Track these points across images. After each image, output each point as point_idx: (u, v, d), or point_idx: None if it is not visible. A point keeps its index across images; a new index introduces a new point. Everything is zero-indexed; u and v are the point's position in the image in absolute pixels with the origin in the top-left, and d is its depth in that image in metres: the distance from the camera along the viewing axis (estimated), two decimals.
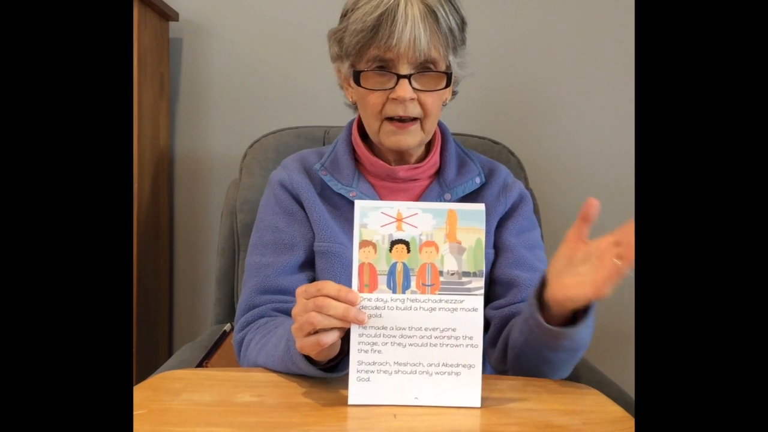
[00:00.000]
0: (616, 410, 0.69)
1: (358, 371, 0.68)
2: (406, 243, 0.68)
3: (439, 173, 0.95)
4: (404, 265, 0.68)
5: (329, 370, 0.72)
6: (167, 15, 1.47)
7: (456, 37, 0.85)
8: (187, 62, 1.57)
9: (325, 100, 1.55)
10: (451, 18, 0.83)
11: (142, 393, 0.70)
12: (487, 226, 0.91)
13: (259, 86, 1.57)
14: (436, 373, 0.68)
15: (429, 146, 0.95)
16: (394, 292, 0.67)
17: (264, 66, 1.56)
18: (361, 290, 0.67)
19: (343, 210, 0.91)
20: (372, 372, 0.68)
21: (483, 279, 0.68)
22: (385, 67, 0.84)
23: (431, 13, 0.81)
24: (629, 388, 0.95)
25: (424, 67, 0.84)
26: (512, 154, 1.26)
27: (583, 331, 0.72)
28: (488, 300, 0.93)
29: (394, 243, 0.68)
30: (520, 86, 1.57)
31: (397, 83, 0.83)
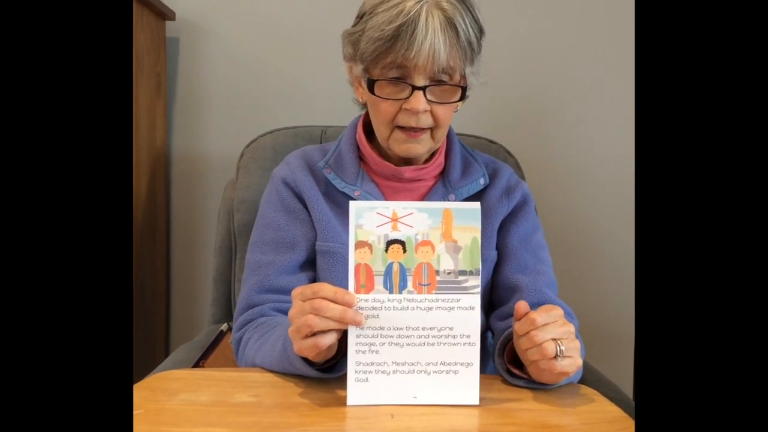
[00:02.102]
0: (613, 410, 0.69)
1: (356, 372, 0.67)
2: (402, 243, 0.68)
3: (443, 174, 0.94)
4: (400, 265, 0.67)
5: (327, 371, 0.72)
6: (164, 14, 1.47)
7: (474, 49, 0.83)
8: (184, 62, 1.57)
9: (323, 100, 1.55)
10: (470, 30, 0.82)
11: (139, 393, 0.69)
12: (488, 227, 0.91)
13: (256, 85, 1.56)
14: (435, 372, 0.68)
15: None
16: (390, 292, 0.67)
17: (261, 65, 1.56)
18: (357, 291, 0.67)
19: (347, 209, 0.91)
20: (370, 372, 0.68)
21: (479, 277, 0.68)
22: (400, 76, 0.83)
23: (451, 26, 0.80)
24: (627, 388, 0.95)
25: (439, 78, 0.83)
26: (509, 153, 1.26)
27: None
28: (491, 303, 0.93)
29: (390, 243, 0.68)
30: (517, 86, 1.57)
31: (411, 94, 0.82)
